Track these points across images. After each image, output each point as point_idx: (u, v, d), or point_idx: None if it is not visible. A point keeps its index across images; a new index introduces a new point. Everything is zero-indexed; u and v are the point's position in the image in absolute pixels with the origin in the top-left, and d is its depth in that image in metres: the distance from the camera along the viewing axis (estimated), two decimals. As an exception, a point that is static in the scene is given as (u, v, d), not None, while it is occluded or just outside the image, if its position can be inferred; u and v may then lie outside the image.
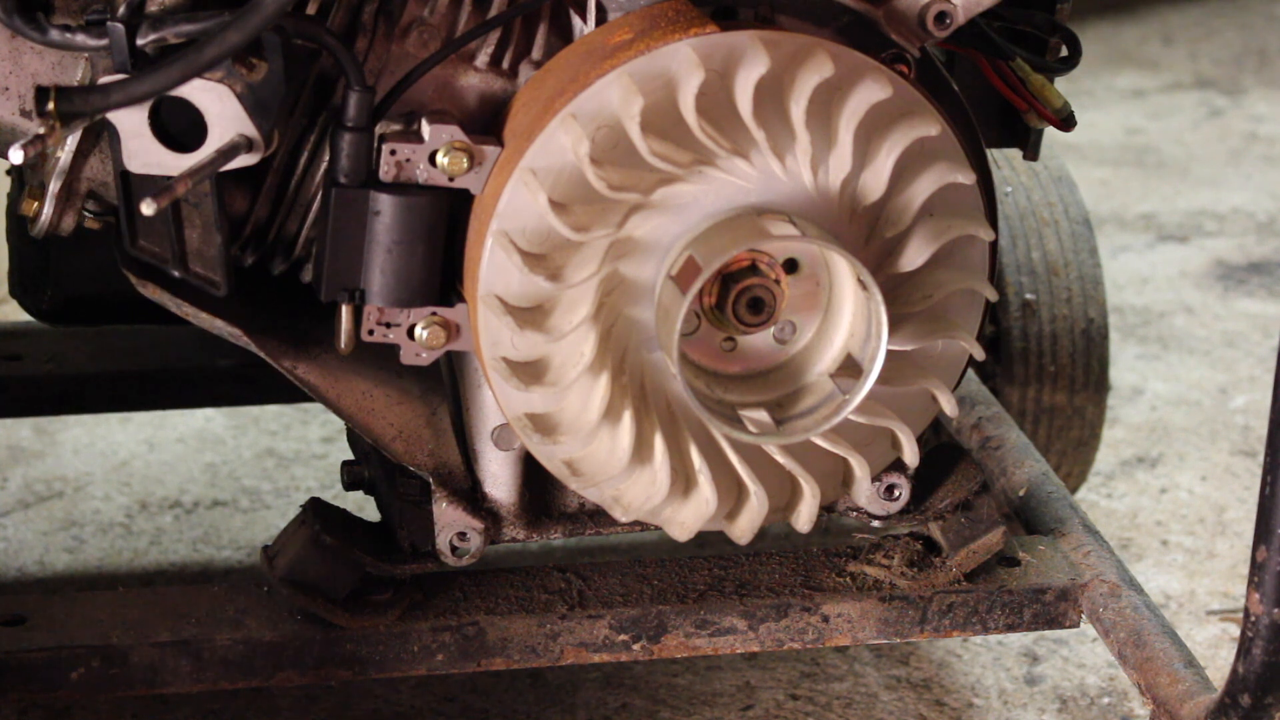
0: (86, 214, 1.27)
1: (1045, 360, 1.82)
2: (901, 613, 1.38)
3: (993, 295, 1.27)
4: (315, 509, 1.33)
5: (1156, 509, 2.03)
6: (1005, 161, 1.88)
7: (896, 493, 1.34)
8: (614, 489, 1.27)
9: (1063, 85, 1.37)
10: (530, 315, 1.21)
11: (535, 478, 1.33)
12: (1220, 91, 3.38)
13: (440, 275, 1.25)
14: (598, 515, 1.36)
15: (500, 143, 1.23)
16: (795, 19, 1.24)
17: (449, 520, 1.32)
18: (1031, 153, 1.43)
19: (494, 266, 1.21)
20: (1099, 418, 1.86)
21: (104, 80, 1.17)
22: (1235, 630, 1.79)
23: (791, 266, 1.25)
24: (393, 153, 1.22)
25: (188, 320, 1.27)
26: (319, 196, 1.27)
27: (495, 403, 1.27)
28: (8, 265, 1.58)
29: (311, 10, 1.24)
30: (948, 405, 1.28)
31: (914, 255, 1.24)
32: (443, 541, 1.32)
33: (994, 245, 1.28)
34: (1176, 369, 2.34)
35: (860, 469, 1.28)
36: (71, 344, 1.73)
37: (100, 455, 2.02)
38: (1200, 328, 2.45)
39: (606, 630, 1.35)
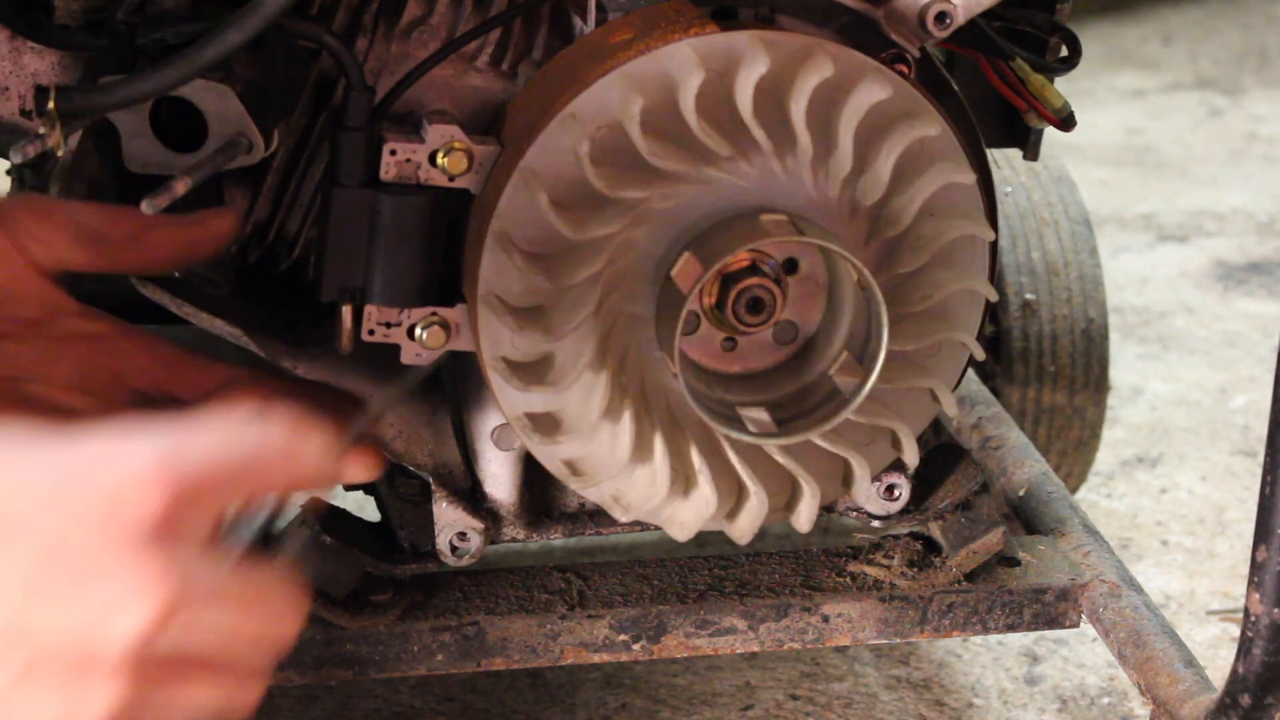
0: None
1: (1045, 360, 1.82)
2: (901, 613, 1.38)
3: (993, 295, 1.27)
4: (315, 509, 1.33)
5: (1156, 509, 2.03)
6: (1005, 161, 1.88)
7: (896, 493, 1.34)
8: (614, 489, 1.27)
9: (1063, 85, 1.37)
10: (530, 315, 1.21)
11: (535, 478, 1.33)
12: (1220, 91, 3.38)
13: (440, 275, 1.25)
14: (598, 515, 1.36)
15: (500, 143, 1.23)
16: (795, 19, 1.24)
17: (449, 520, 1.32)
18: (1031, 153, 1.43)
19: (494, 266, 1.21)
20: (1099, 418, 1.86)
21: (104, 80, 1.17)
22: (1235, 630, 1.79)
23: (791, 266, 1.25)
24: (393, 153, 1.22)
25: (188, 320, 1.27)
26: (319, 196, 1.27)
27: (495, 403, 1.27)
28: (8, 265, 1.58)
29: (313, 10, 1.24)
30: (948, 405, 1.28)
31: (914, 255, 1.24)
32: (443, 541, 1.32)
33: (994, 245, 1.28)
34: (1176, 369, 2.34)
35: (860, 469, 1.28)
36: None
37: (100, 455, 2.02)
38: (1200, 328, 2.45)
39: (606, 630, 1.35)
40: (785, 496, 1.29)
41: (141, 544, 0.78)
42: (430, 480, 1.32)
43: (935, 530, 1.38)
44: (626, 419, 1.23)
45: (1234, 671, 1.23)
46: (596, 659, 1.36)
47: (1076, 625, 1.42)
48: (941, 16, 1.25)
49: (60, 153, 1.22)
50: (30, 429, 0.81)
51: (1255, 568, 1.20)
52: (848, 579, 1.39)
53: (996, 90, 1.37)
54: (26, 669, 0.78)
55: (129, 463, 0.78)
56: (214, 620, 0.80)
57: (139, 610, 0.77)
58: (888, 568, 1.39)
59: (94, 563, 0.77)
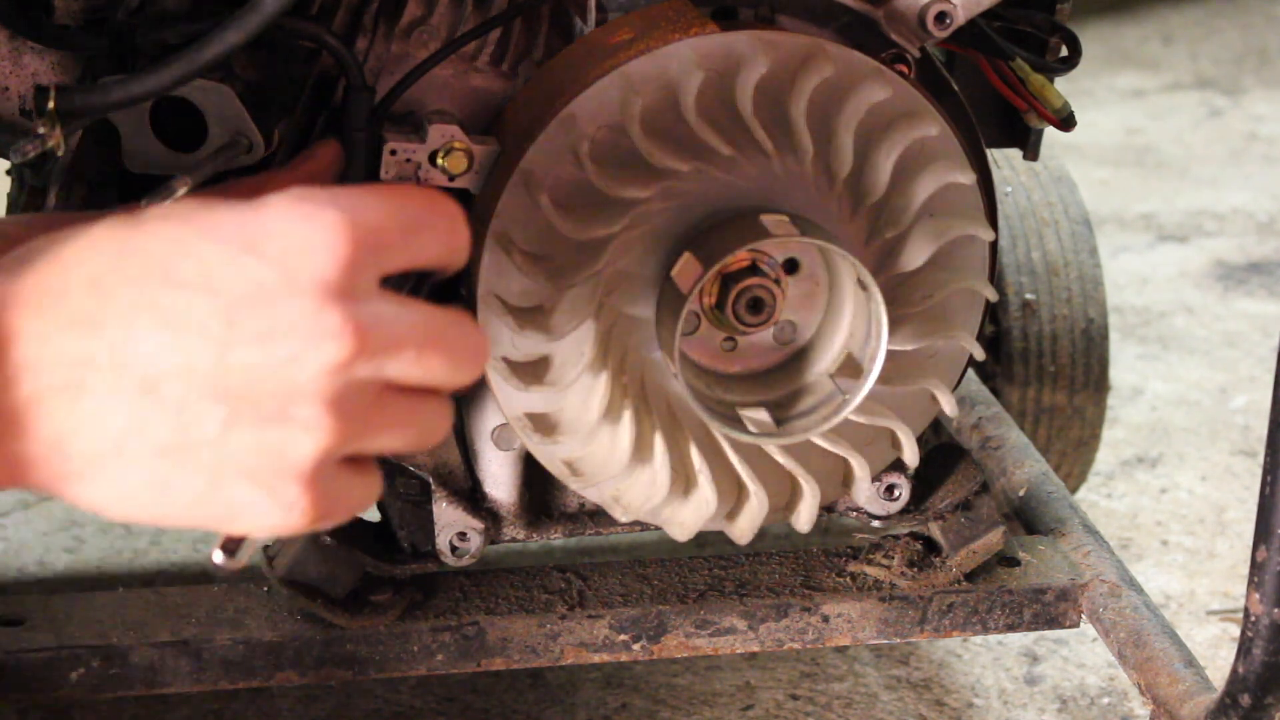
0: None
1: (1045, 360, 1.82)
2: (901, 613, 1.38)
3: (993, 295, 1.27)
4: (315, 509, 1.32)
5: (1156, 509, 2.03)
6: (1005, 161, 1.88)
7: (896, 493, 1.34)
8: (614, 489, 1.27)
9: (1063, 85, 1.37)
10: (530, 315, 1.21)
11: (535, 478, 1.33)
12: (1220, 91, 3.38)
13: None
14: (598, 515, 1.36)
15: (500, 143, 1.23)
16: (795, 19, 1.24)
17: (449, 520, 1.32)
18: (1031, 153, 1.43)
19: (494, 266, 1.21)
20: (1099, 418, 1.86)
21: (104, 80, 1.17)
22: (1235, 630, 1.79)
23: (791, 266, 1.25)
24: (393, 153, 1.22)
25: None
26: (319, 196, 1.27)
27: (495, 403, 1.27)
28: (8, 265, 1.57)
29: (313, 10, 1.24)
30: (948, 405, 1.28)
31: (914, 255, 1.24)
32: (443, 541, 1.32)
33: (994, 245, 1.28)
34: (1176, 369, 2.34)
35: (860, 469, 1.28)
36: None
37: (100, 455, 2.02)
38: (1200, 328, 2.45)
39: (606, 630, 1.35)
40: (785, 496, 1.29)
41: (327, 290, 0.82)
42: (430, 480, 1.32)
43: (935, 530, 1.38)
44: (626, 419, 1.23)
45: (1234, 671, 1.23)
46: (596, 659, 1.36)
47: (1076, 625, 1.42)
48: (941, 16, 1.25)
49: (60, 153, 1.22)
50: (218, 201, 0.86)
51: (1255, 568, 1.20)
52: (848, 579, 1.39)
53: (996, 90, 1.37)
54: (234, 411, 0.82)
55: (311, 217, 0.83)
56: (402, 358, 0.84)
57: (330, 348, 0.82)
58: (888, 568, 1.39)
59: (285, 308, 0.82)
